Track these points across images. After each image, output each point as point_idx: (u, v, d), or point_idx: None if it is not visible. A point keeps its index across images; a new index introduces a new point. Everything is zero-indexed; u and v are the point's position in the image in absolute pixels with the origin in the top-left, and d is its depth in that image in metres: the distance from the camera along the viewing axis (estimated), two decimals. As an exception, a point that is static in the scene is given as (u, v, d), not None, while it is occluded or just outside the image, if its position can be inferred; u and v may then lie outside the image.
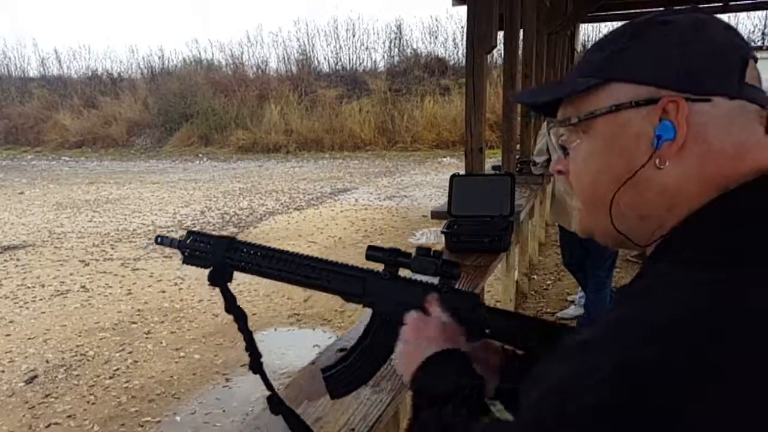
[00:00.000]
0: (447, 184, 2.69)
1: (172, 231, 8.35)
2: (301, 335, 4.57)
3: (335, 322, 4.73)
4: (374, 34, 27.79)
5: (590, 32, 16.51)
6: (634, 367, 0.47)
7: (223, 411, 3.48)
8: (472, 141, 3.69)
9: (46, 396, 3.73)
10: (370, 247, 0.95)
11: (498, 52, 10.06)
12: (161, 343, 4.48)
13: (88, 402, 3.65)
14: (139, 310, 5.18)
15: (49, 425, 3.41)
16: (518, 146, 6.10)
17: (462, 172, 3.08)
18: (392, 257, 0.94)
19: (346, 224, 8.56)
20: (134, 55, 31.23)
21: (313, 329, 4.65)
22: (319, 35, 23.80)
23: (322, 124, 19.59)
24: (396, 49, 21.89)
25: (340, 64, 22.16)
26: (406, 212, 9.36)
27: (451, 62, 20.89)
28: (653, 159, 0.60)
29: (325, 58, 22.61)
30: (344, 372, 0.95)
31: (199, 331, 4.63)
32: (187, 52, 31.47)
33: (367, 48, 22.25)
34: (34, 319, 5.08)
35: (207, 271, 1.04)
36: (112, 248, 7.51)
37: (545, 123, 4.10)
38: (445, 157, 16.97)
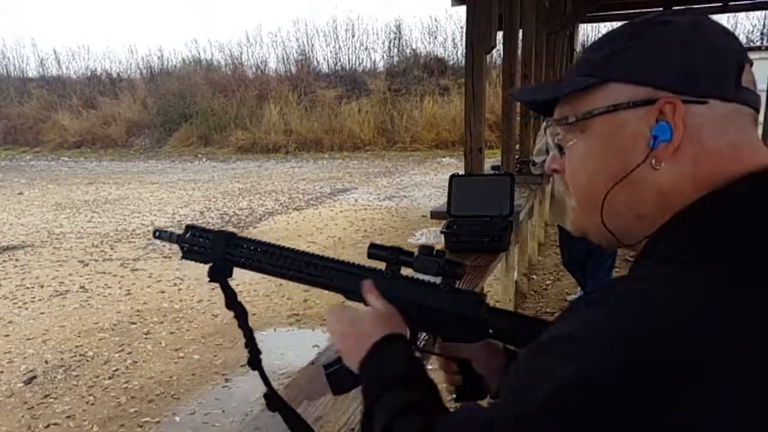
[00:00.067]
0: (446, 184, 2.69)
1: (171, 231, 8.34)
2: (300, 335, 4.57)
3: (335, 322, 4.72)
4: (373, 34, 27.80)
5: (589, 32, 16.52)
6: (634, 361, 0.48)
7: (223, 411, 3.47)
8: (471, 141, 3.69)
9: (45, 396, 3.73)
10: (372, 245, 0.95)
11: (497, 53, 10.05)
12: (160, 343, 4.48)
13: (87, 402, 3.64)
14: (138, 311, 5.18)
15: (48, 426, 3.41)
16: (517, 146, 6.10)
17: (461, 172, 3.08)
18: (394, 256, 0.93)
19: (345, 224, 8.56)
20: (133, 55, 31.20)
21: (313, 329, 4.65)
22: (318, 35, 23.86)
23: (322, 125, 19.59)
24: (395, 50, 21.92)
25: (339, 64, 22.18)
26: (405, 212, 9.36)
27: (451, 62, 20.90)
28: (649, 159, 0.60)
29: (324, 59, 22.65)
30: (347, 368, 0.95)
31: (199, 332, 4.63)
32: (187, 52, 31.53)
33: (366, 48, 22.27)
34: (33, 319, 5.08)
35: (206, 271, 1.04)
36: (112, 249, 7.51)
37: (544, 123, 4.10)
38: (444, 157, 16.97)
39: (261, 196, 11.38)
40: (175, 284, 5.74)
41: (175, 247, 1.07)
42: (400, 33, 21.92)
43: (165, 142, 21.05)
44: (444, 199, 2.77)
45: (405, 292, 0.93)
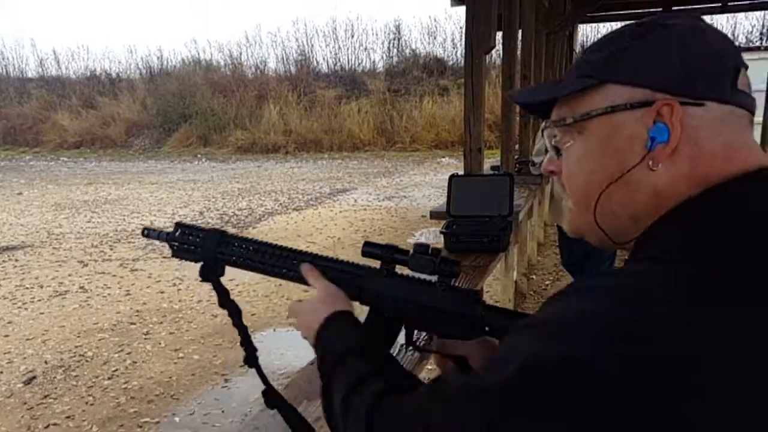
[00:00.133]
0: (446, 185, 2.69)
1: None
2: (300, 336, 4.56)
3: (334, 322, 4.72)
4: (373, 34, 27.82)
5: (589, 33, 16.54)
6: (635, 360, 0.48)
7: (222, 411, 3.47)
8: (470, 141, 3.69)
9: (45, 397, 3.73)
10: (366, 243, 0.95)
11: (497, 53, 10.04)
12: (160, 343, 4.48)
13: (86, 403, 3.64)
14: (137, 311, 5.17)
15: (47, 426, 3.41)
16: (517, 146, 6.10)
17: (461, 172, 3.08)
18: (389, 254, 0.93)
19: (345, 225, 8.56)
20: (133, 55, 31.26)
21: (312, 330, 4.65)
22: (317, 36, 23.87)
23: (321, 125, 19.60)
24: (395, 50, 21.94)
25: (338, 64, 22.19)
26: (405, 212, 9.36)
27: (450, 63, 20.91)
28: (646, 160, 0.61)
29: (323, 59, 22.67)
30: None
31: (198, 332, 4.63)
32: (186, 52, 31.57)
33: (365, 48, 22.28)
34: (32, 319, 5.08)
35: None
36: (111, 249, 7.51)
37: (543, 123, 4.10)
38: (443, 157, 16.98)
39: (260, 197, 11.38)
40: (174, 284, 5.74)
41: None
42: (399, 33, 21.95)
43: (164, 142, 21.05)
44: (443, 200, 2.78)
45: (400, 290, 0.92)
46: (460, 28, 18.39)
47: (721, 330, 0.48)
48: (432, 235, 7.44)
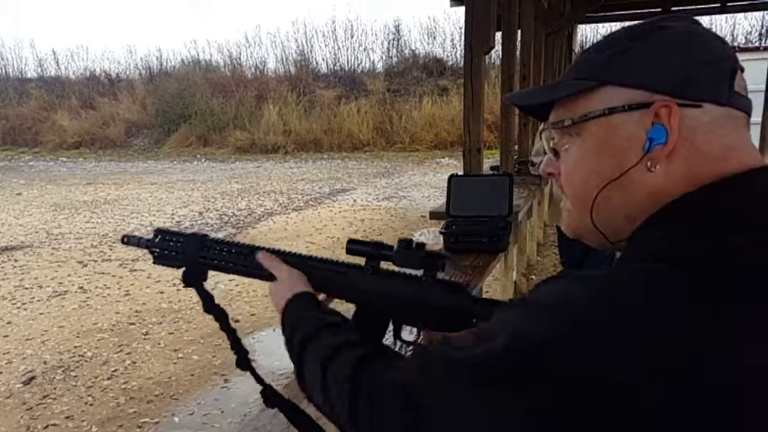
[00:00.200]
0: (445, 185, 2.70)
1: (170, 232, 8.34)
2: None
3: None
4: (372, 34, 27.80)
5: (588, 33, 16.55)
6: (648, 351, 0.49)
7: (222, 412, 3.48)
8: (470, 141, 3.70)
9: (44, 397, 3.73)
10: (350, 241, 0.96)
11: (496, 53, 10.03)
12: (159, 344, 4.48)
13: (86, 403, 3.64)
14: (137, 311, 5.17)
15: (47, 426, 3.41)
16: (516, 147, 6.10)
17: (460, 172, 3.08)
18: (374, 250, 0.93)
19: (344, 225, 8.56)
20: (132, 55, 31.26)
21: (312, 330, 4.65)
22: (317, 36, 23.84)
23: (321, 125, 19.60)
24: (394, 50, 21.95)
25: (338, 64, 22.19)
26: (404, 213, 9.36)
27: (450, 63, 20.91)
28: (644, 161, 0.61)
29: (323, 59, 22.66)
30: None
31: (198, 332, 4.62)
32: (185, 52, 31.52)
33: (365, 49, 22.28)
34: (32, 320, 5.08)
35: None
36: (110, 249, 7.50)
37: (542, 125, 4.12)
38: (443, 157, 16.98)
39: (260, 197, 11.38)
40: (174, 285, 5.73)
41: None
42: (398, 33, 21.96)
43: (164, 142, 21.05)
44: (443, 200, 2.78)
45: (386, 286, 0.92)
46: (460, 28, 18.41)
47: (707, 329, 0.48)
48: (431, 236, 7.44)
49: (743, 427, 0.47)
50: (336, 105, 20.10)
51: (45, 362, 4.23)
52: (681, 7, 9.28)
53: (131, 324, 4.90)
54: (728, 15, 15.75)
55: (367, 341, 0.81)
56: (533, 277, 5.63)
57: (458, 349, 0.59)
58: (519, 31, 5.78)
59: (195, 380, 3.88)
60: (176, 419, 3.44)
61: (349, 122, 19.33)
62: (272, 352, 4.10)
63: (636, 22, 0.68)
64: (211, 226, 8.72)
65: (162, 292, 5.59)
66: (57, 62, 24.98)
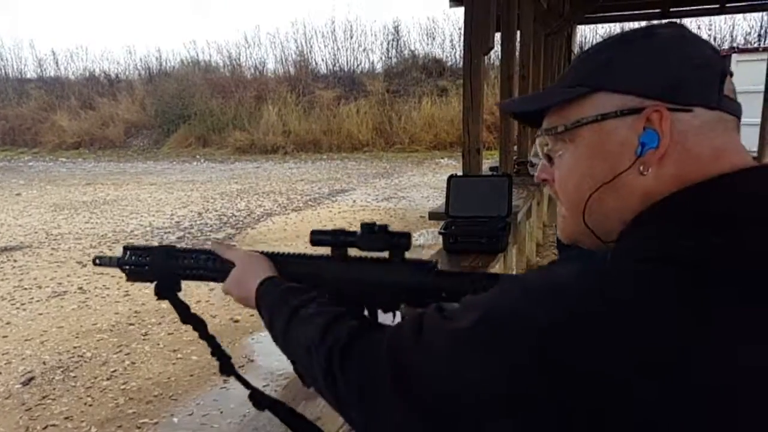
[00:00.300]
0: (444, 185, 2.70)
1: (169, 232, 8.35)
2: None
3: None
4: (372, 35, 27.82)
5: (587, 34, 16.57)
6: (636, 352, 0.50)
7: (221, 412, 3.47)
8: (469, 142, 3.71)
9: (43, 398, 3.72)
10: (313, 232, 0.97)
11: (495, 54, 10.02)
12: (159, 344, 4.48)
13: (85, 404, 3.64)
14: (136, 312, 5.17)
15: (46, 427, 3.40)
16: (515, 147, 6.11)
17: (459, 173, 3.09)
18: (337, 238, 0.94)
19: (344, 225, 8.49)
20: (132, 56, 31.17)
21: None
22: (316, 36, 23.76)
23: (320, 126, 19.60)
24: (393, 51, 21.95)
25: (337, 65, 22.19)
26: (403, 213, 9.36)
27: (449, 63, 20.91)
28: (637, 166, 0.62)
29: (322, 60, 22.66)
30: None
31: (197, 333, 4.61)
32: (185, 53, 31.53)
33: (364, 49, 22.29)
34: (31, 320, 5.07)
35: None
36: (110, 250, 7.50)
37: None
38: (442, 158, 16.98)
39: (259, 197, 11.37)
40: (173, 285, 5.72)
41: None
42: (398, 34, 21.96)
43: (163, 143, 21.04)
44: (442, 200, 2.78)
45: (354, 272, 0.93)
46: (459, 29, 18.40)
47: (695, 330, 0.49)
48: (431, 236, 7.44)
49: (737, 428, 0.47)
50: (335, 105, 20.10)
51: (44, 363, 4.23)
52: (680, 8, 9.28)
53: (130, 324, 4.90)
54: (727, 16, 15.76)
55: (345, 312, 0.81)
56: (532, 277, 5.62)
57: (452, 319, 0.61)
58: (518, 32, 5.79)
59: (194, 381, 3.88)
60: (175, 420, 3.44)
61: (349, 123, 19.34)
62: (271, 353, 4.09)
63: (634, 22, 0.68)
64: (211, 226, 8.72)
65: (161, 293, 5.57)
66: (56, 62, 25.00)
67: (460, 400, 0.56)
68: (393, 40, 21.90)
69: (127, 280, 1.06)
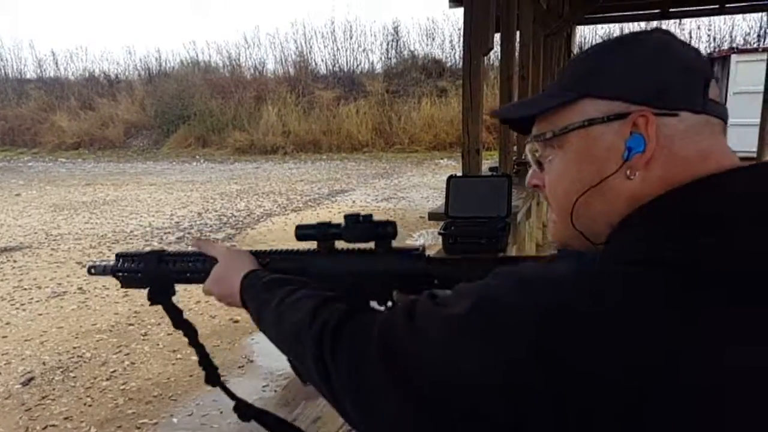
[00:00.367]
0: (444, 186, 2.70)
1: (169, 233, 8.34)
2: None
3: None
4: (371, 35, 27.84)
5: (587, 34, 16.58)
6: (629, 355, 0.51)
7: (221, 412, 3.47)
8: (469, 142, 3.70)
9: (43, 398, 3.73)
10: (298, 227, 0.96)
11: (495, 54, 10.02)
12: (158, 344, 4.48)
13: (85, 404, 3.64)
14: (136, 312, 5.17)
15: (45, 427, 3.40)
16: (515, 147, 6.11)
17: (459, 173, 3.08)
18: (322, 231, 0.93)
19: (343, 226, 8.55)
20: (131, 56, 31.10)
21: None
22: (316, 37, 23.74)
23: (320, 126, 19.60)
24: (393, 51, 21.95)
25: (337, 65, 22.19)
26: (403, 214, 9.36)
27: (448, 64, 20.92)
28: (623, 170, 0.63)
29: (322, 60, 22.66)
30: None
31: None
32: (184, 53, 31.51)
33: (364, 50, 22.29)
34: (30, 320, 5.07)
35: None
36: (110, 250, 7.49)
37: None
38: (442, 158, 16.98)
39: (259, 198, 11.37)
40: (172, 285, 5.72)
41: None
42: (397, 35, 21.97)
43: (163, 143, 21.04)
44: (442, 201, 2.78)
45: (341, 264, 0.93)
46: (459, 29, 18.37)
47: (683, 331, 0.49)
48: (430, 236, 7.45)
49: (724, 428, 0.47)
50: (335, 106, 20.10)
51: (44, 363, 4.23)
52: (680, 8, 9.28)
53: (130, 325, 4.90)
54: (727, 16, 15.77)
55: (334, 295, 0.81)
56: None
57: (445, 305, 0.61)
58: (518, 33, 5.79)
59: (194, 381, 3.88)
60: (175, 420, 3.44)
61: (348, 123, 19.33)
62: (271, 353, 4.08)
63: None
64: (210, 227, 8.72)
65: (161, 293, 5.57)
66: (56, 63, 25.01)
67: (453, 387, 0.56)
68: (392, 40, 21.93)
69: (122, 287, 1.06)
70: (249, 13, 42.18)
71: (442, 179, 3.31)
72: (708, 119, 0.62)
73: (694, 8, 9.36)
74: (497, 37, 4.52)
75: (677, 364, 0.48)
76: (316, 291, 0.81)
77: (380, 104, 19.61)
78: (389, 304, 0.93)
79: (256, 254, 1.00)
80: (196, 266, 1.01)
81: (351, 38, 22.13)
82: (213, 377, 1.07)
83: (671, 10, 9.15)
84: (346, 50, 22.17)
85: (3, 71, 24.99)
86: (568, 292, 0.54)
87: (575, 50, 10.88)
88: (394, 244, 0.94)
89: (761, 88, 8.18)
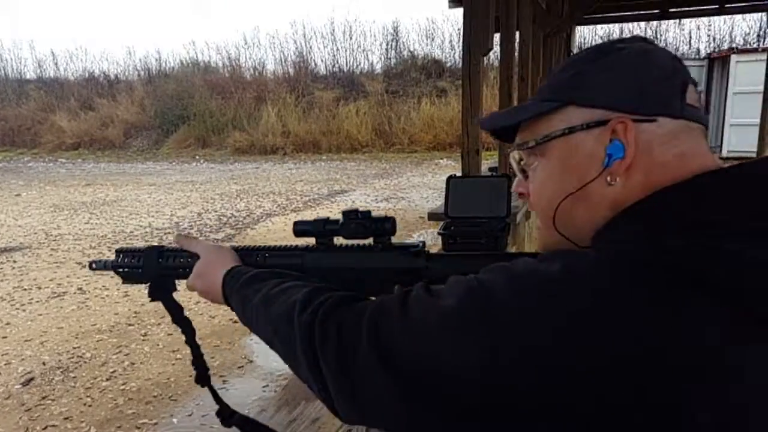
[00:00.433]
0: (444, 186, 2.70)
1: (169, 233, 8.34)
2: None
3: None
4: (371, 36, 27.86)
5: (586, 34, 16.58)
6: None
7: (221, 413, 3.47)
8: (468, 142, 3.71)
9: (43, 398, 3.73)
10: (296, 223, 0.96)
11: (494, 55, 10.02)
12: (158, 345, 4.48)
13: (84, 404, 3.64)
14: (136, 312, 5.17)
15: (45, 427, 3.41)
16: (515, 148, 6.10)
17: (459, 173, 3.08)
18: (320, 227, 0.93)
19: (343, 226, 8.54)
20: (131, 57, 31.14)
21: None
22: (315, 37, 23.74)
23: (319, 126, 19.58)
24: (393, 51, 21.93)
25: (337, 66, 22.17)
26: (403, 214, 9.36)
27: (448, 64, 20.90)
28: (604, 176, 0.64)
29: (322, 60, 22.63)
30: None
31: (196, 333, 4.61)
32: (184, 53, 31.53)
33: (363, 50, 22.34)
34: (30, 321, 5.07)
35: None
36: (109, 250, 7.49)
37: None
38: (441, 158, 16.98)
39: (259, 198, 11.37)
40: (172, 286, 5.72)
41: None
42: (397, 35, 21.95)
43: (163, 143, 21.03)
44: (441, 201, 2.78)
45: (339, 260, 0.92)
46: (458, 29, 18.37)
47: (666, 332, 0.50)
48: (430, 236, 7.45)
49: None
50: (335, 106, 20.09)
51: (44, 363, 4.23)
52: (679, 8, 9.28)
53: (130, 325, 4.90)
54: (727, 16, 15.77)
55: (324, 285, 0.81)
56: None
57: (438, 296, 0.62)
58: (517, 33, 5.79)
59: (194, 381, 3.88)
60: (175, 420, 3.44)
61: (348, 123, 19.32)
62: (271, 353, 4.07)
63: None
64: (210, 227, 8.72)
65: (161, 294, 5.57)
66: (56, 63, 24.98)
67: (442, 376, 0.57)
68: (392, 40, 21.91)
69: (123, 282, 1.06)
70: (249, 13, 42.20)
71: (441, 179, 3.31)
72: (687, 124, 0.63)
73: (694, 8, 9.36)
74: (497, 37, 4.53)
75: (659, 361, 0.49)
76: (307, 281, 0.81)
77: (380, 104, 19.60)
78: None
79: (245, 250, 0.99)
80: (188, 262, 1.01)
81: (351, 38, 22.14)
82: (203, 378, 1.07)
83: (671, 10, 9.15)
84: (346, 50, 22.18)
85: (3, 71, 24.97)
86: (555, 290, 0.55)
87: (575, 50, 10.89)
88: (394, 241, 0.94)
89: (761, 88, 8.18)
